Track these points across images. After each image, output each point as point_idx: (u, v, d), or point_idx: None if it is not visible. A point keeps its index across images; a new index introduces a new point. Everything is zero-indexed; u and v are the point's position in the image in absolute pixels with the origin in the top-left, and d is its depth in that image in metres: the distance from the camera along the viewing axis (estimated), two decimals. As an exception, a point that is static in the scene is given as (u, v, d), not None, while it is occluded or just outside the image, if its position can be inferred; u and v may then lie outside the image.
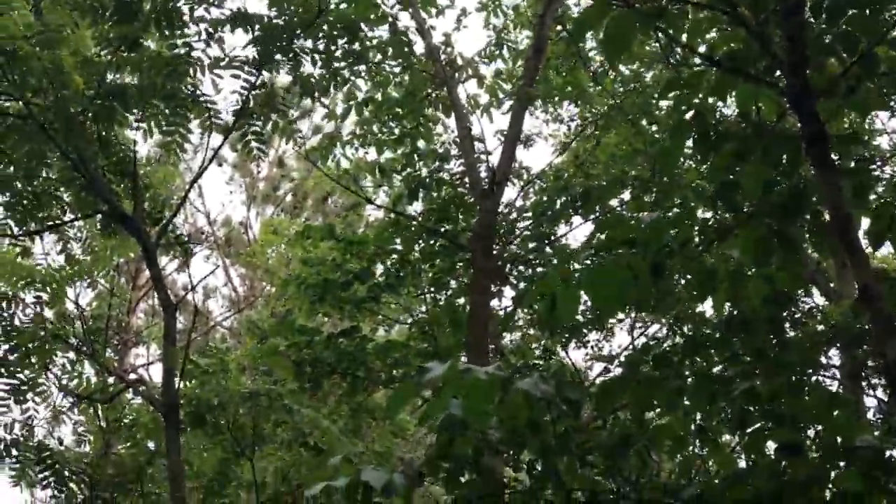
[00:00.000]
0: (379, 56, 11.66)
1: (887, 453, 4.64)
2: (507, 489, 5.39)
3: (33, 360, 11.54)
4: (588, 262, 4.67)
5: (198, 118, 10.60)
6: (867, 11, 4.61)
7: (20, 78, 9.43)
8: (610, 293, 4.66)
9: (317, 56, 10.43)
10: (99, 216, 11.22)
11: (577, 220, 13.95)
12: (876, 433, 4.97)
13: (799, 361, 4.74)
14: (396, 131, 13.68)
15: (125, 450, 12.23)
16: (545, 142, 15.46)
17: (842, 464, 4.69)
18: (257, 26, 9.91)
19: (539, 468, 5.09)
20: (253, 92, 10.19)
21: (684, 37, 5.50)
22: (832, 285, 14.09)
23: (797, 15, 4.63)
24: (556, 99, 14.61)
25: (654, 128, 13.63)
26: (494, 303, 13.19)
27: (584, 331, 14.94)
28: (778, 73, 4.88)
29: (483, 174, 12.85)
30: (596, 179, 13.61)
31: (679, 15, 4.89)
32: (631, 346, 16.35)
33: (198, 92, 10.26)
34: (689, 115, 5.03)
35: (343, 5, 10.18)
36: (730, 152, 4.82)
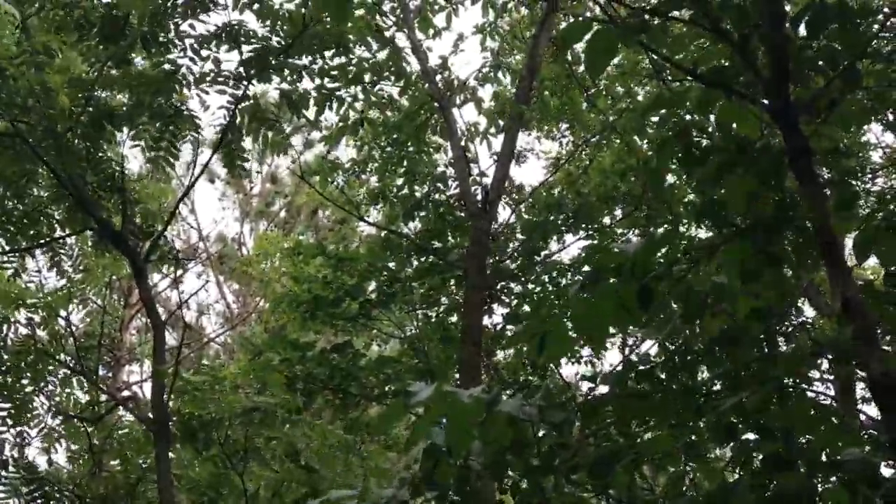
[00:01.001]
0: (373, 77, 11.66)
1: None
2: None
3: (24, 382, 11.52)
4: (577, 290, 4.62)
5: (187, 132, 10.61)
6: (848, 26, 4.62)
7: (7, 97, 9.44)
8: (597, 326, 4.64)
9: (307, 73, 10.43)
10: (90, 233, 11.21)
11: (569, 238, 14.02)
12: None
13: (784, 374, 4.71)
14: (395, 155, 13.72)
15: (116, 467, 12.19)
16: (537, 158, 15.48)
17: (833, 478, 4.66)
18: (247, 47, 9.90)
19: (524, 487, 5.06)
20: (239, 106, 10.18)
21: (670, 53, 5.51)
22: (826, 299, 14.07)
23: (779, 30, 4.64)
24: (551, 120, 14.63)
25: (647, 144, 13.66)
26: (486, 320, 13.21)
27: (577, 347, 14.90)
28: (761, 88, 4.88)
29: (478, 194, 12.91)
30: (588, 197, 13.64)
31: (662, 30, 4.89)
32: (622, 363, 16.35)
33: (184, 108, 10.26)
34: (674, 132, 5.04)
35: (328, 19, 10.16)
36: (714, 167, 4.82)
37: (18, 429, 11.77)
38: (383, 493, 4.91)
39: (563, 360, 15.09)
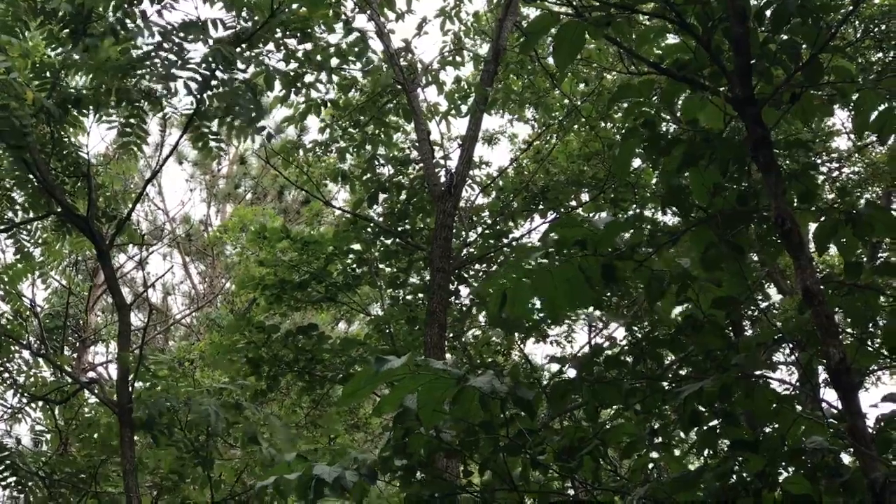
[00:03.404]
0: (337, 61, 11.59)
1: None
2: (459, 489, 5.39)
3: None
4: (541, 261, 4.74)
5: (154, 113, 10.52)
6: (809, 20, 4.70)
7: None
8: (560, 295, 4.76)
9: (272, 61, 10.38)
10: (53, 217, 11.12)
11: (536, 220, 14.05)
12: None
13: (746, 361, 4.78)
14: (358, 137, 13.71)
15: (79, 450, 12.15)
16: (510, 142, 15.46)
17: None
18: (215, 35, 9.80)
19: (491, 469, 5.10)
20: (207, 92, 10.08)
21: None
22: (791, 283, 14.22)
23: (742, 23, 4.70)
24: (516, 104, 14.63)
25: (612, 127, 13.71)
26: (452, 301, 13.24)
27: (544, 326, 14.93)
28: (724, 80, 4.94)
29: (442, 177, 12.91)
30: (555, 178, 13.68)
31: (628, 24, 4.95)
32: (589, 345, 16.44)
33: (155, 91, 10.15)
34: (639, 123, 5.11)
35: (295, 5, 10.09)
36: (678, 158, 4.89)
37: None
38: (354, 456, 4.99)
39: (531, 341, 15.20)
